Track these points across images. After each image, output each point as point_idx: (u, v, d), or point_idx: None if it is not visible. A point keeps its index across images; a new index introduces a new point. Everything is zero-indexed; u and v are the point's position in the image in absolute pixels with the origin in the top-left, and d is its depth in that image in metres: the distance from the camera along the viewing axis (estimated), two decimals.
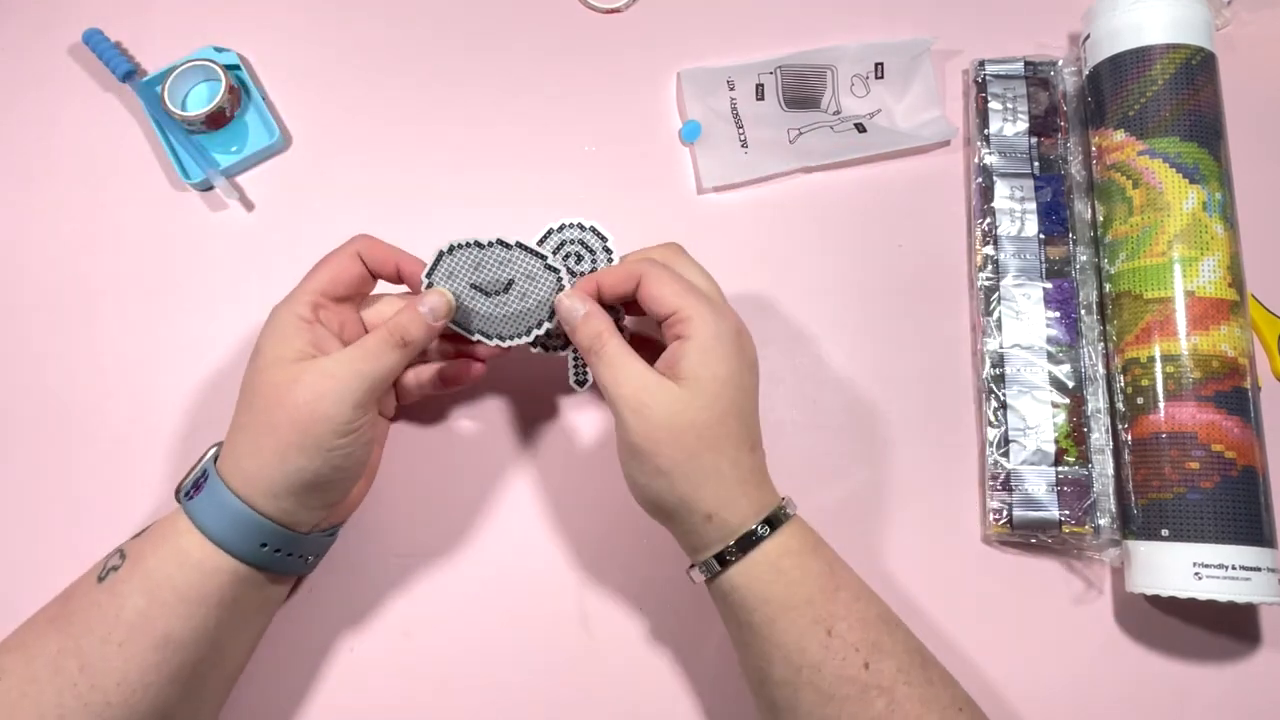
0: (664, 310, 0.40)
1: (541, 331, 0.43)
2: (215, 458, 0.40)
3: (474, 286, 0.43)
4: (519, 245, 0.42)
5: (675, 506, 0.38)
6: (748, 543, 0.38)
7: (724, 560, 0.38)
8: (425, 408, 0.51)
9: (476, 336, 0.44)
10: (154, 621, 0.37)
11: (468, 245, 0.42)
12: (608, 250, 0.43)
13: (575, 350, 0.45)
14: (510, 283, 0.42)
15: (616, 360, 0.39)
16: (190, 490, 0.40)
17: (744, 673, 0.41)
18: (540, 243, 0.43)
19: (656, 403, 0.37)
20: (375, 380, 0.39)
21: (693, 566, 0.41)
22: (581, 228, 0.43)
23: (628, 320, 0.45)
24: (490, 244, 0.42)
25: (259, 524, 0.38)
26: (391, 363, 0.40)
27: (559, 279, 0.42)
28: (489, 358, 0.47)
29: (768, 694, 0.39)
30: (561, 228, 0.43)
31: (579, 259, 0.44)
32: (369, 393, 0.39)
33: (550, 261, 0.42)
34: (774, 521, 0.39)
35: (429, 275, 0.42)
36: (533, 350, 0.44)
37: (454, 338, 0.45)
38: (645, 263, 0.41)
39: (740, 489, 0.38)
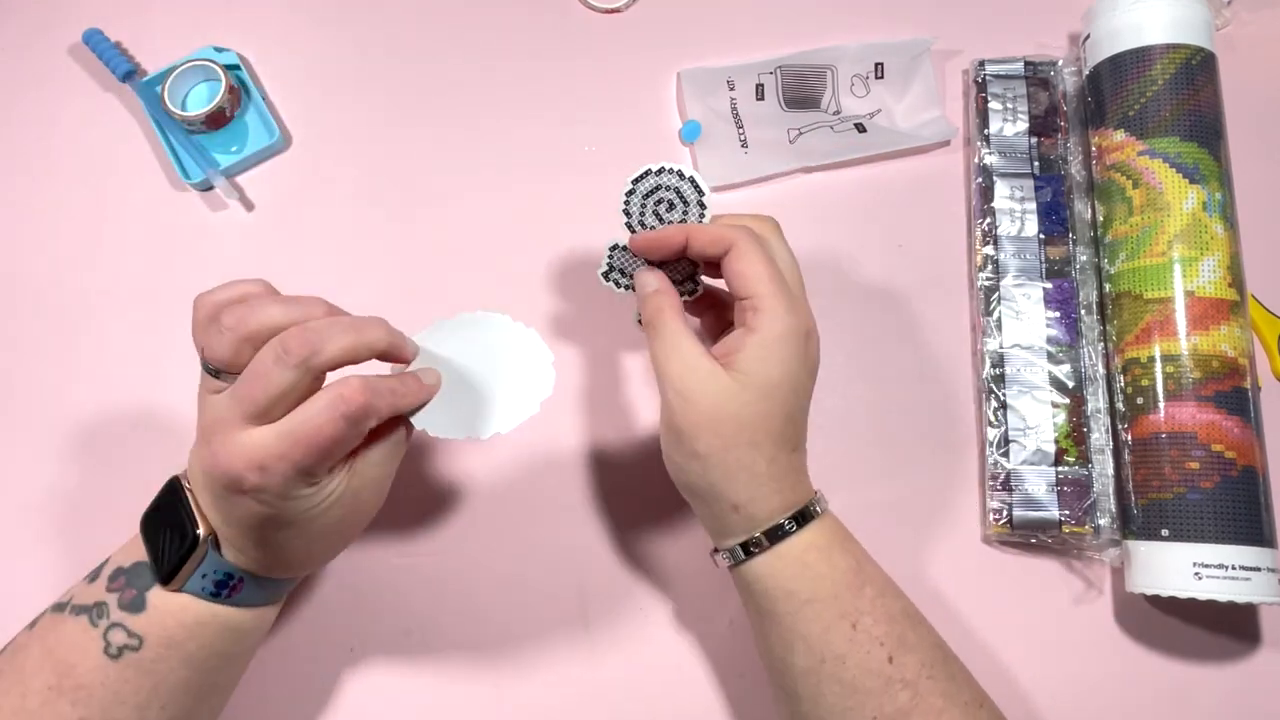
0: (742, 291, 0.39)
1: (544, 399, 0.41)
2: (215, 544, 0.37)
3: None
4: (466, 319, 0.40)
5: (705, 491, 0.39)
6: (774, 536, 0.38)
7: (749, 550, 0.38)
8: None
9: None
10: (199, 683, 0.38)
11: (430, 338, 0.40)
12: (701, 205, 0.42)
13: None
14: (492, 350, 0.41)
15: (670, 340, 0.39)
16: (222, 593, 0.37)
17: (764, 660, 0.41)
18: (636, 181, 0.42)
19: (703, 389, 0.37)
20: (306, 464, 0.34)
21: (716, 551, 0.41)
22: (681, 176, 0.42)
23: (703, 278, 0.44)
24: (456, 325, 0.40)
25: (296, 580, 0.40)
26: (332, 435, 0.34)
27: (517, 325, 0.41)
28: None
29: (789, 683, 0.39)
30: (661, 171, 0.42)
31: (670, 206, 0.42)
32: (301, 475, 0.34)
33: (507, 320, 0.41)
34: (804, 517, 0.39)
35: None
36: (604, 284, 0.43)
37: None
38: (741, 231, 0.40)
39: (772, 485, 0.38)
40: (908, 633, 0.38)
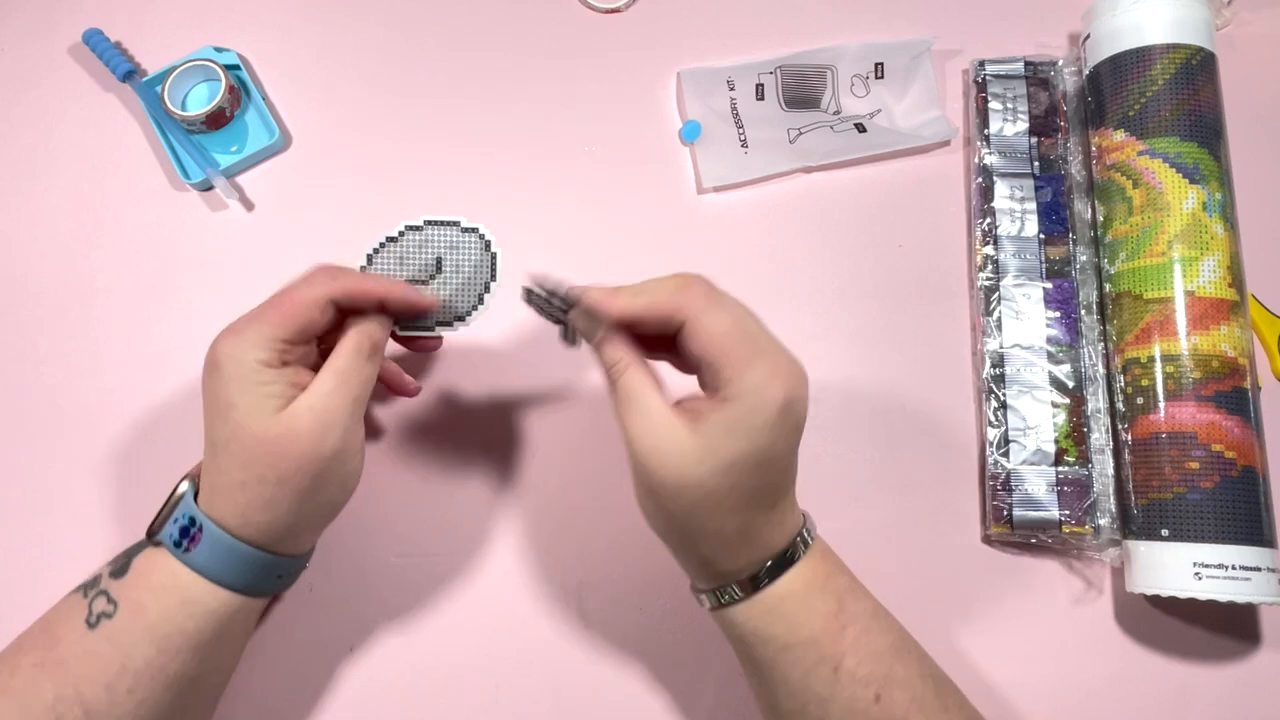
0: (705, 357, 0.35)
1: (490, 293, 0.42)
2: (194, 494, 0.39)
3: (411, 283, 0.43)
4: (427, 222, 0.42)
5: (675, 543, 0.38)
6: (747, 588, 0.37)
7: (721, 599, 0.38)
8: (427, 407, 0.51)
9: (438, 330, 0.43)
10: (166, 668, 0.37)
11: (382, 245, 0.42)
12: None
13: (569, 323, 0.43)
14: (439, 260, 0.42)
15: (632, 395, 0.36)
16: (183, 542, 0.38)
17: (753, 693, 0.41)
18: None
19: (666, 453, 0.35)
20: (362, 397, 0.39)
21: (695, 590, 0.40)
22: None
23: None
24: (401, 233, 0.42)
25: (277, 563, 0.39)
26: (370, 374, 0.39)
27: (480, 235, 0.42)
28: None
29: None
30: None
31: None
32: (359, 409, 0.38)
33: (464, 224, 0.42)
34: (782, 564, 0.37)
35: None
36: (529, 306, 0.42)
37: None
38: (685, 290, 0.36)
39: (742, 543, 0.36)
40: (895, 668, 0.37)
